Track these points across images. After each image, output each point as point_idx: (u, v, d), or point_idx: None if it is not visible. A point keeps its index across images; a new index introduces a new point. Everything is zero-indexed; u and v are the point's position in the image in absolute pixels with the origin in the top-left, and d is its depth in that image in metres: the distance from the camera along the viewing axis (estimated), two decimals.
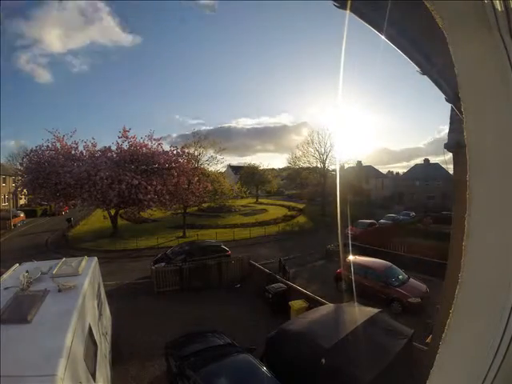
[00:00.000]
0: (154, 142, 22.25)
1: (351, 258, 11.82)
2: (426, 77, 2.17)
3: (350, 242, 14.82)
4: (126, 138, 21.73)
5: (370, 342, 5.33)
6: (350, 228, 19.67)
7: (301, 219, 31.12)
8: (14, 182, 30.24)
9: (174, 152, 22.36)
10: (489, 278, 0.79)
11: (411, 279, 10.62)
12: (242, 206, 38.31)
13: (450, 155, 4.46)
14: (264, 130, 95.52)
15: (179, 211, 24.64)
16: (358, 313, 6.49)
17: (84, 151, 22.21)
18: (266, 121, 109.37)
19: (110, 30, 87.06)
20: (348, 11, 1.40)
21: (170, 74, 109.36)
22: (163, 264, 12.76)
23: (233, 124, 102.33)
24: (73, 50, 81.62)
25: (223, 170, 33.37)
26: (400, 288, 9.99)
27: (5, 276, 4.96)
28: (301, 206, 39.06)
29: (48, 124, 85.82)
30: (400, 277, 10.62)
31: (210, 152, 24.64)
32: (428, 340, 6.15)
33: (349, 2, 1.36)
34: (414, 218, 29.51)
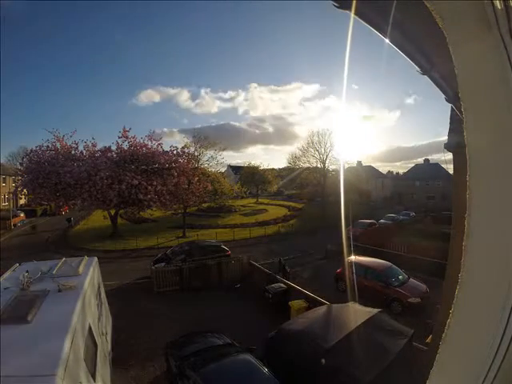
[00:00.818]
0: (153, 142, 22.32)
1: (351, 258, 11.82)
2: (425, 77, 2.17)
3: (350, 243, 14.82)
4: (126, 137, 21.76)
5: (370, 342, 5.33)
6: (350, 228, 19.66)
7: (301, 219, 31.12)
8: (14, 181, 30.25)
9: (174, 152, 22.40)
10: (489, 277, 0.79)
11: (411, 279, 10.62)
12: (241, 205, 38.33)
13: (450, 155, 4.46)
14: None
15: (179, 211, 24.65)
16: (358, 313, 6.48)
17: (84, 151, 22.25)
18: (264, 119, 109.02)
19: None
20: (347, 11, 1.39)
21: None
22: (163, 264, 12.77)
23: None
24: None
25: (223, 169, 33.38)
26: (400, 288, 9.99)
27: (5, 276, 4.95)
28: (301, 206, 39.09)
29: (48, 124, 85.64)
30: (400, 277, 10.61)
31: (210, 152, 24.64)
32: (428, 340, 6.16)
33: (348, 3, 1.36)
34: (413, 218, 29.51)
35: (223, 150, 25.15)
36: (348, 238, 16.61)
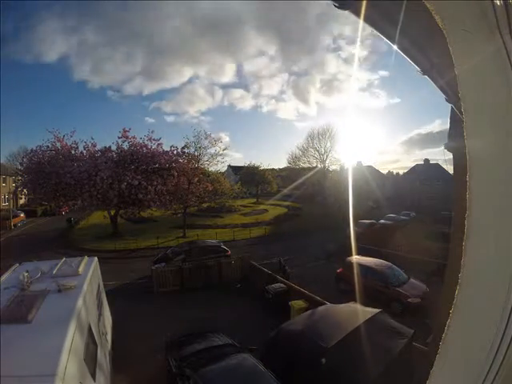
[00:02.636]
0: (153, 143, 22.34)
1: (352, 258, 11.82)
2: (426, 77, 2.17)
3: (350, 243, 14.81)
4: (126, 138, 21.79)
5: (370, 342, 5.33)
6: (350, 228, 19.62)
7: (301, 219, 31.12)
8: (14, 181, 30.26)
9: (174, 152, 22.41)
10: (489, 277, 0.79)
11: (411, 279, 10.62)
12: (241, 205, 38.34)
13: (450, 155, 4.46)
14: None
15: (179, 211, 24.64)
16: (358, 313, 6.48)
17: (84, 151, 22.26)
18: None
19: None
20: (347, 11, 1.40)
21: None
22: (163, 264, 12.78)
23: None
24: None
25: (223, 169, 33.36)
26: (400, 288, 9.99)
27: (5, 276, 4.96)
28: (301, 206, 39.08)
29: (48, 124, 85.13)
30: (400, 277, 10.61)
31: (211, 152, 24.51)
32: (428, 340, 6.15)
33: (348, 3, 1.36)
34: (414, 218, 29.51)
35: (224, 149, 25.06)
36: (348, 238, 16.63)
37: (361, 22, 1.45)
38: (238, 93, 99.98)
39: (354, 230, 20.34)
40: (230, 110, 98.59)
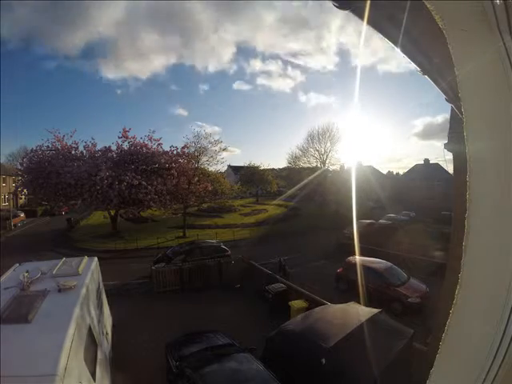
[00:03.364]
0: (153, 142, 22.36)
1: (351, 258, 11.82)
2: (425, 76, 2.17)
3: (350, 242, 14.81)
4: (126, 138, 21.80)
5: (370, 343, 5.33)
6: (351, 228, 19.62)
7: (301, 219, 31.13)
8: (14, 182, 30.27)
9: (174, 152, 22.44)
10: (489, 277, 0.79)
11: (411, 279, 10.62)
12: (241, 205, 38.35)
13: (450, 155, 4.47)
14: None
15: (180, 211, 24.64)
16: (358, 313, 6.48)
17: (84, 151, 22.27)
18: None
19: None
20: (348, 11, 1.40)
21: None
22: (163, 264, 12.78)
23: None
24: None
25: (223, 169, 33.35)
26: (400, 288, 9.99)
27: (5, 276, 4.96)
28: (301, 206, 39.07)
29: (48, 124, 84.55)
30: (400, 277, 10.61)
31: (211, 152, 24.47)
32: (428, 340, 6.15)
33: (348, 2, 1.36)
34: (414, 218, 29.52)
35: (224, 149, 25.03)
36: (348, 238, 16.68)
37: (361, 21, 1.45)
38: (205, 37, 62.81)
39: (354, 229, 20.41)
40: (203, 77, 79.85)
